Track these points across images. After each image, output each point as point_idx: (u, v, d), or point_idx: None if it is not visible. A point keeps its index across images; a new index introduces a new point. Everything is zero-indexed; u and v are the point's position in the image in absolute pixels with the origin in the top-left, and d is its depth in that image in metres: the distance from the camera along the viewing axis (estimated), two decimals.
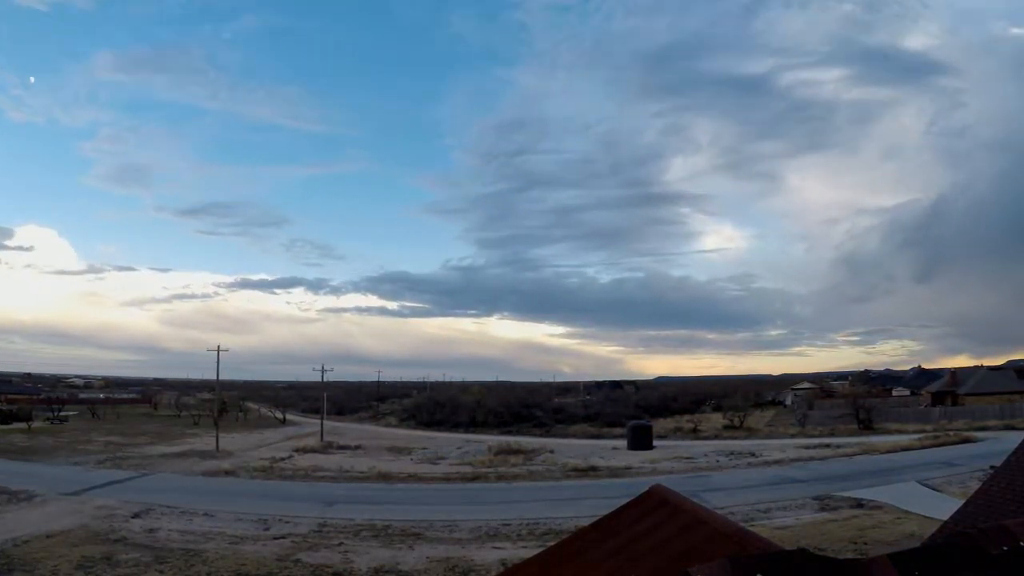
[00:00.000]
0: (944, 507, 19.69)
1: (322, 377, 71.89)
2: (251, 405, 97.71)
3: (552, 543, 6.63)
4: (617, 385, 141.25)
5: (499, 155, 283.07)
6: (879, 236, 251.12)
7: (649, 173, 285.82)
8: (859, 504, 26.20)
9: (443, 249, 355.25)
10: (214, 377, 63.15)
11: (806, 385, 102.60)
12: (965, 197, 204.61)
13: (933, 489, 28.35)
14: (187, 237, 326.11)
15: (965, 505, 11.49)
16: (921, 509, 23.96)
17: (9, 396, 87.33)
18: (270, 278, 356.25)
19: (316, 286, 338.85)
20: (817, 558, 2.39)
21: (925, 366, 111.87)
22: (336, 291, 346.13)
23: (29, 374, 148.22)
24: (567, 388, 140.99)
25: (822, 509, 25.95)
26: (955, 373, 78.62)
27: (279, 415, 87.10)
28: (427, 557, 20.74)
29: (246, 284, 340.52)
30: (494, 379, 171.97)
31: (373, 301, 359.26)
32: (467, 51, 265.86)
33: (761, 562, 2.38)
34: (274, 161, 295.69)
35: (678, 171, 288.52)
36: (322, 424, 65.19)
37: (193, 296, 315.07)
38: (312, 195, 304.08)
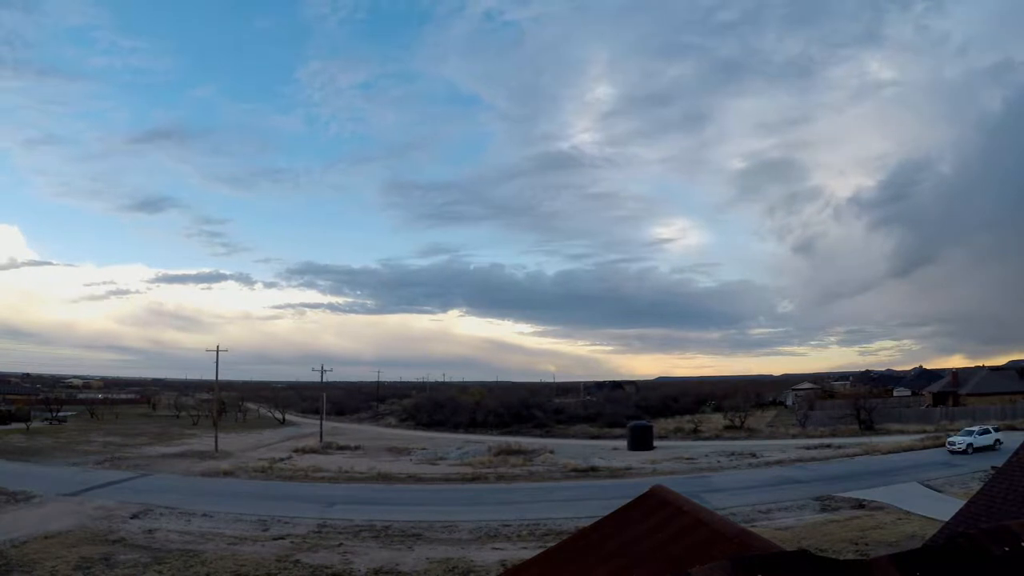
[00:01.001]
0: (945, 508, 19.69)
1: (321, 377, 71.90)
2: (250, 406, 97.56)
3: (552, 544, 6.60)
4: (617, 385, 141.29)
5: (342, 93, 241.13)
6: (852, 217, 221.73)
7: (550, 126, 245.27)
8: (860, 505, 26.18)
9: (349, 231, 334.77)
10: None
11: (807, 385, 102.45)
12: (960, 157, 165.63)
13: (934, 490, 28.35)
14: (81, 226, 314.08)
15: (967, 506, 11.47)
16: (922, 510, 23.95)
17: (8, 396, 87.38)
18: (191, 272, 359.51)
19: (244, 280, 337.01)
20: (818, 559, 2.37)
21: (925, 366, 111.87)
22: (271, 286, 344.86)
23: (28, 374, 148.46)
24: (567, 388, 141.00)
25: (823, 510, 25.93)
26: (956, 373, 78.68)
27: (278, 415, 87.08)
28: (427, 558, 20.71)
29: (170, 279, 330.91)
30: (493, 380, 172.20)
31: (317, 297, 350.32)
32: None
33: (762, 563, 2.35)
34: (106, 128, 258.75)
35: (580, 118, 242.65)
36: (321, 424, 65.14)
37: (127, 292, 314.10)
38: (169, 166, 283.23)
